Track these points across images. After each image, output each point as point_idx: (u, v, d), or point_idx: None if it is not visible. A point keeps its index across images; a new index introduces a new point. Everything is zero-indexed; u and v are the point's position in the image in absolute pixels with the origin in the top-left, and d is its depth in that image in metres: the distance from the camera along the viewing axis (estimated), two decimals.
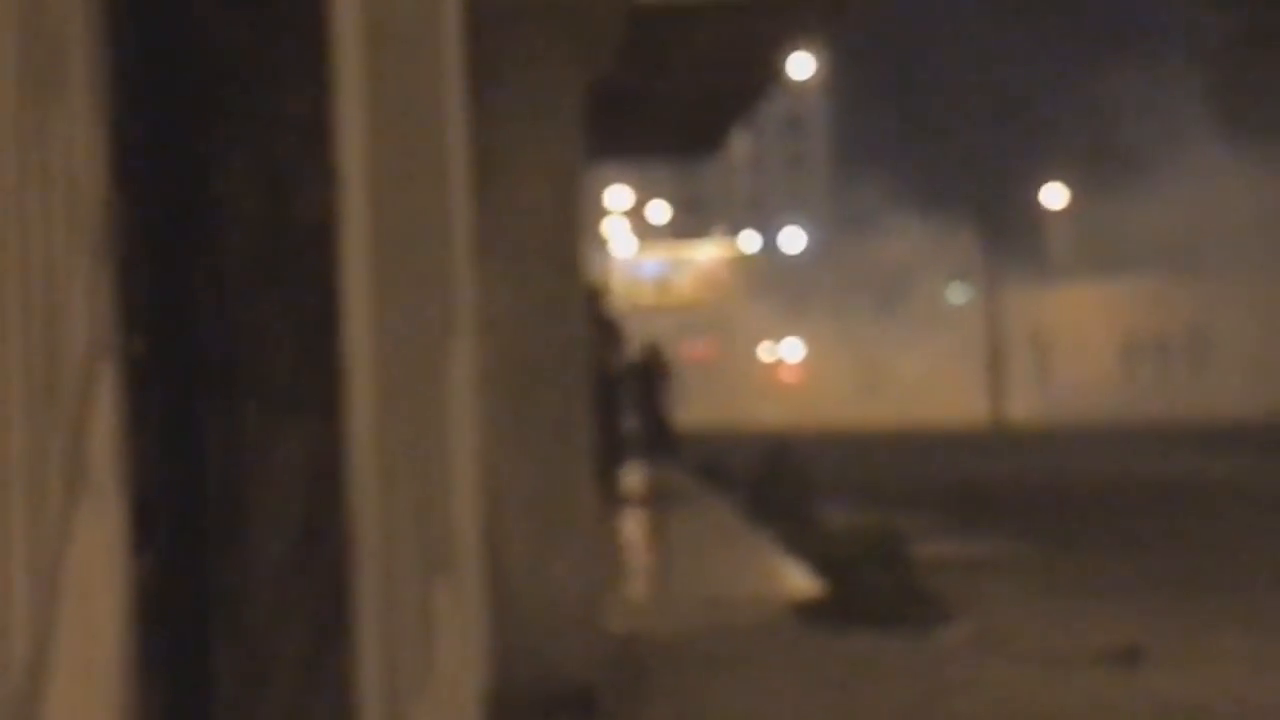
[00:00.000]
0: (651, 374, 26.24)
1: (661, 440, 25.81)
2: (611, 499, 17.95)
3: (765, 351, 72.39)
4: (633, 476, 21.03)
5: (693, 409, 45.22)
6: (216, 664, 3.17)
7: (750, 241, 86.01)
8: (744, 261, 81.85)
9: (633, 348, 24.44)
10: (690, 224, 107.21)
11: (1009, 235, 54.95)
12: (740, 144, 68.39)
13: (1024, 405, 41.25)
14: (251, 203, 3.20)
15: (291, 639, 3.17)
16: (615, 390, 20.82)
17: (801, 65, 35.87)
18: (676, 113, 20.29)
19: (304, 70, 3.20)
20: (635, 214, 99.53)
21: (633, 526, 17.51)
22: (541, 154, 10.47)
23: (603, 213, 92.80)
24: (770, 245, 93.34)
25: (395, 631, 4.07)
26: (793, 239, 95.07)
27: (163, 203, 3.14)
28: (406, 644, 4.50)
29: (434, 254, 7.03)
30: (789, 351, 62.67)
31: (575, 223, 10.71)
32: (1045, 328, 48.67)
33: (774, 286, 78.59)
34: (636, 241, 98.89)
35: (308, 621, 3.17)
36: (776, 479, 20.51)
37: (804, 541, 15.55)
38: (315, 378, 3.20)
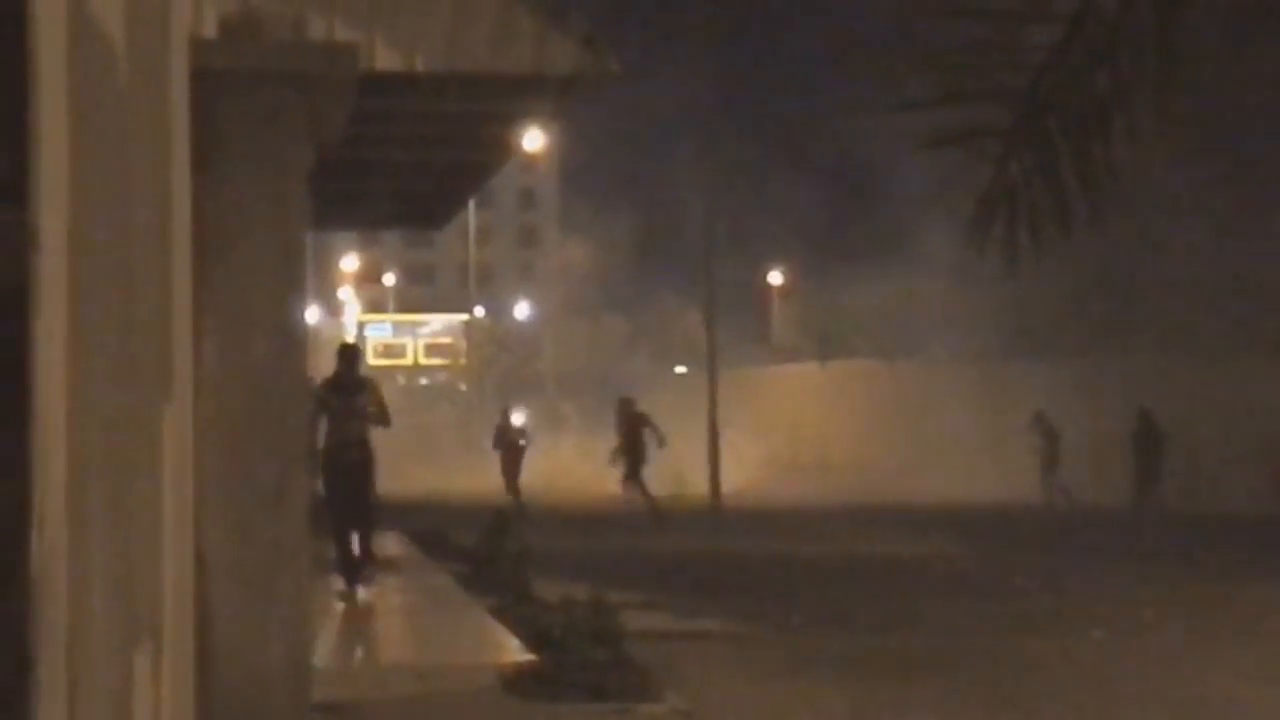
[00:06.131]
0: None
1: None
2: (357, 564, 17.67)
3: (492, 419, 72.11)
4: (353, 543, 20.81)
5: (418, 476, 45.17)
6: None
7: (480, 312, 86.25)
8: (473, 328, 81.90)
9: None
10: (422, 293, 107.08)
11: (734, 315, 55.68)
12: (473, 214, 68.56)
13: (741, 481, 41.85)
14: None
15: None
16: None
17: (532, 139, 36.08)
18: (407, 183, 20.26)
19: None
20: (367, 281, 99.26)
21: (349, 593, 17.35)
22: (267, 216, 10.38)
23: (338, 279, 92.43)
24: (502, 315, 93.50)
25: (84, 699, 4.01)
26: (522, 311, 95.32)
27: None
28: (97, 712, 4.44)
29: (151, 315, 6.94)
30: (516, 420, 62.57)
31: (298, 285, 10.61)
32: (763, 407, 49.18)
33: (502, 355, 78.67)
34: (367, 307, 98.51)
35: None
36: (496, 549, 20.48)
37: (519, 613, 15.57)
38: None
